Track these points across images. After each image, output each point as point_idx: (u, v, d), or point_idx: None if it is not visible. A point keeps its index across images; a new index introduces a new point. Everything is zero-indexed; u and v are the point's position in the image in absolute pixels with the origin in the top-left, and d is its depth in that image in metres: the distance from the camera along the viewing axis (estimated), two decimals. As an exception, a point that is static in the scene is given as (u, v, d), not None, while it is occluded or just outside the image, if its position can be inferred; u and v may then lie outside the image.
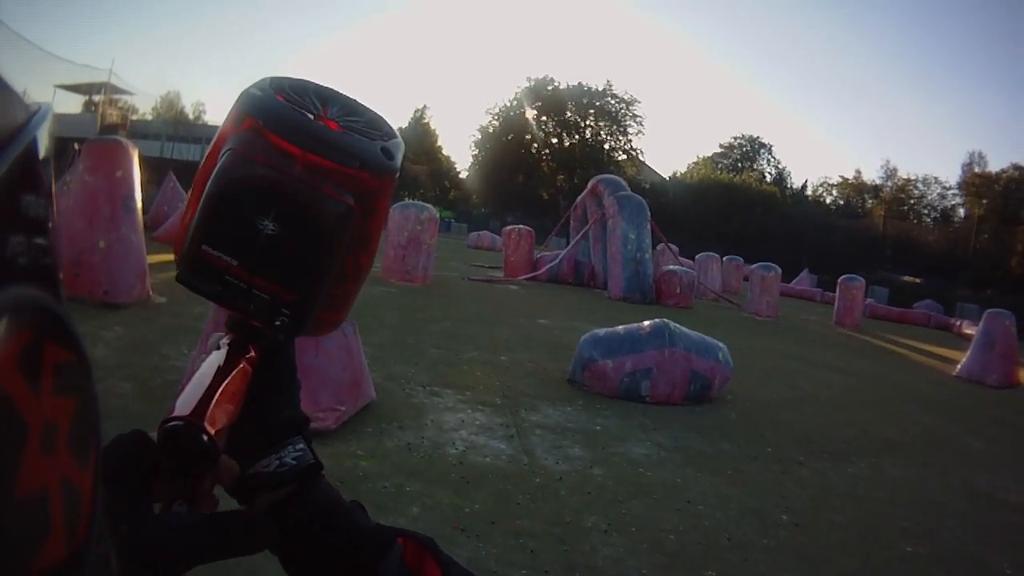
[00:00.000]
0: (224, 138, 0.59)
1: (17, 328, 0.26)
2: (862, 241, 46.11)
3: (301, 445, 0.63)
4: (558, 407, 5.93)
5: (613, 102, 56.30)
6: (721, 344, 7.16)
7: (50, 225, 0.30)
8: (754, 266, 17.54)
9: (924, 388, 10.41)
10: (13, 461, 0.25)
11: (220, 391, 0.55)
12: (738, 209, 47.78)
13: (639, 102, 57.22)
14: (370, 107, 0.68)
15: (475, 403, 5.63)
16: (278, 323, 0.58)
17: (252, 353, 0.61)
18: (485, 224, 43.26)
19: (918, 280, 40.41)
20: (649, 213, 16.73)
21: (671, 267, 17.23)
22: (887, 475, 5.63)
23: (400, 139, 0.67)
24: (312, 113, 0.60)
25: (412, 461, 4.24)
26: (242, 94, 0.61)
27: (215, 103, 59.80)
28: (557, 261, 17.53)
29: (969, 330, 22.23)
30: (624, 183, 18.07)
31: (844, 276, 19.21)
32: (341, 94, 0.66)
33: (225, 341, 0.62)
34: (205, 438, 0.51)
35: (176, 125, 46.68)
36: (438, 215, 13.96)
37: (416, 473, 4.06)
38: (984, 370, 11.52)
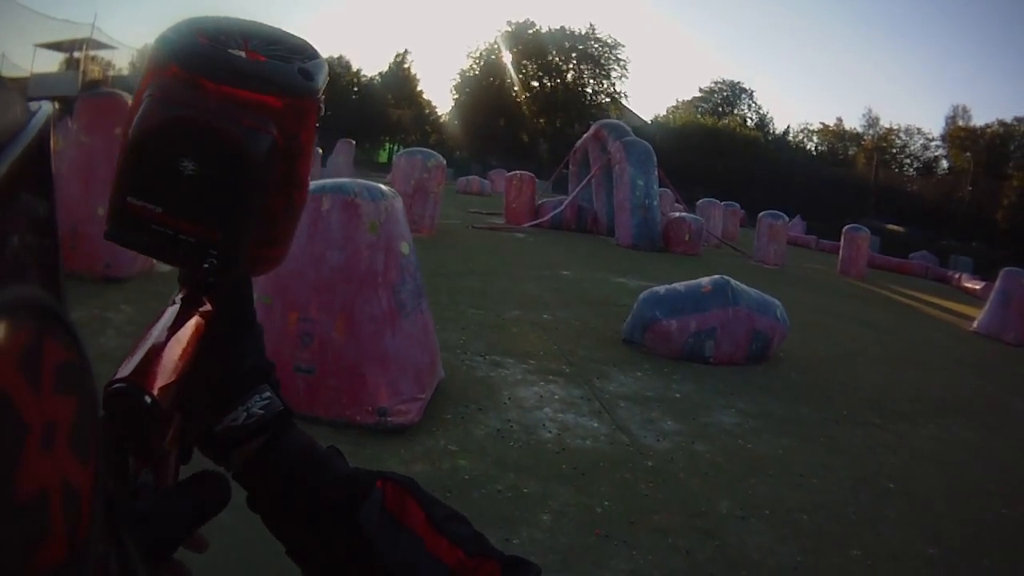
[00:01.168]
0: (144, 87, 0.56)
1: (17, 328, 0.26)
2: (848, 188, 46.02)
3: (268, 393, 0.61)
4: (627, 373, 5.46)
5: (596, 46, 55.47)
6: (776, 301, 6.73)
7: (52, 225, 0.30)
8: (762, 214, 17.10)
9: (951, 344, 10.10)
10: (13, 461, 0.25)
11: (166, 347, 0.52)
12: (722, 153, 47.41)
13: (623, 46, 56.56)
14: (297, 35, 0.64)
15: (544, 373, 5.12)
16: (206, 265, 0.55)
17: (207, 306, 0.59)
18: (468, 168, 42.57)
19: (901, 229, 40.43)
20: (656, 159, 16.16)
21: (680, 214, 16.72)
22: (957, 437, 5.42)
23: (322, 60, 0.63)
24: (233, 49, 0.58)
25: (512, 453, 3.74)
26: (159, 38, 0.58)
27: None
28: (560, 208, 16.94)
29: (969, 284, 22.25)
30: (628, 128, 17.43)
31: (848, 226, 18.89)
32: (265, 26, 0.63)
33: (179, 296, 0.59)
34: (148, 398, 0.48)
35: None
36: (445, 163, 13.30)
37: (524, 468, 3.56)
38: (1002, 327, 11.31)
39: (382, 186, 4.05)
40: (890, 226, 40.48)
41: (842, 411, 5.43)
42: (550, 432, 4.07)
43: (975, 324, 11.91)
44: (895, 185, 48.76)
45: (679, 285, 6.39)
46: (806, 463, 4.26)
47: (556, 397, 4.66)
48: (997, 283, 11.71)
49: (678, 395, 5.16)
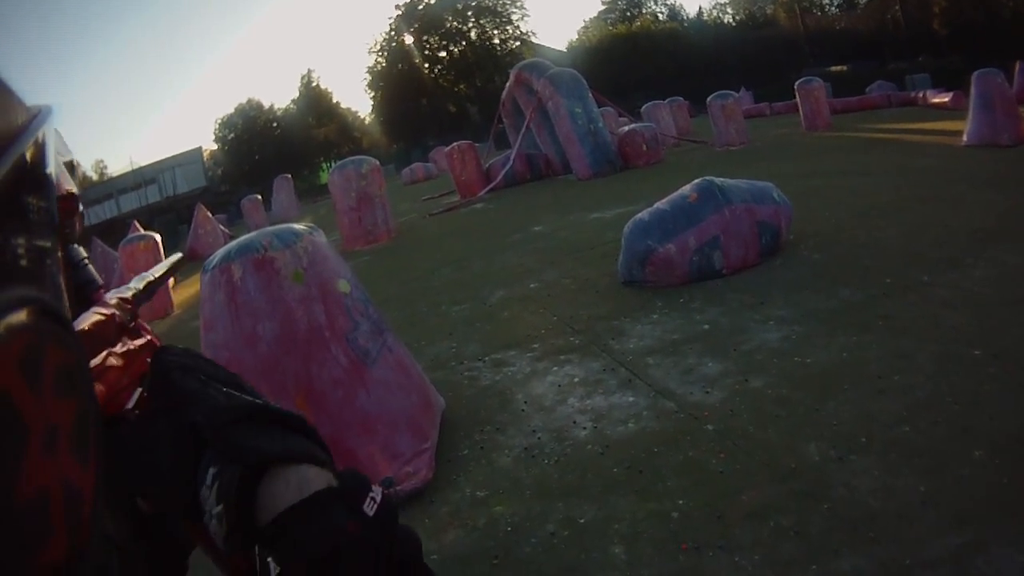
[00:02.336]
0: None
1: (19, 330, 0.26)
2: (780, 47, 45.35)
3: (212, 469, 0.56)
4: (642, 321, 4.82)
5: (487, -4, 54.45)
6: (769, 183, 6.08)
7: (51, 226, 0.30)
8: (710, 97, 16.38)
9: (953, 165, 9.47)
10: (15, 462, 0.25)
11: None
12: (647, 55, 46.76)
13: (514, -14, 55.58)
14: None
15: (554, 355, 4.47)
16: None
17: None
18: (408, 158, 41.73)
19: (845, 68, 39.82)
20: (586, 82, 15.39)
21: (629, 126, 15.95)
22: (1011, 267, 4.74)
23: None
24: None
25: (551, 474, 3.09)
26: None
27: (112, 155, 56.77)
28: (509, 163, 16.17)
29: (937, 99, 21.83)
30: (548, 62, 16.64)
31: (800, 80, 18.25)
32: None
33: None
34: None
35: (84, 191, 44.04)
36: (378, 163, 12.52)
37: (570, 491, 2.92)
38: (994, 131, 10.79)
39: (294, 226, 3.34)
40: (833, 69, 39.87)
41: (884, 279, 4.80)
42: (584, 429, 3.42)
43: (964, 137, 11.34)
44: (824, 28, 48.07)
45: (662, 204, 5.72)
46: (877, 359, 3.63)
47: (576, 380, 4.01)
48: (973, 89, 11.15)
49: (706, 326, 4.53)
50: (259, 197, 25.00)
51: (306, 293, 3.08)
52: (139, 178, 43.70)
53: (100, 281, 0.66)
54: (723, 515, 2.55)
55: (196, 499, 0.55)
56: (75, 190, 0.58)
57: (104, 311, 0.61)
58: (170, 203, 42.94)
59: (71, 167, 0.64)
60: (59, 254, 0.30)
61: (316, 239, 3.28)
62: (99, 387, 0.54)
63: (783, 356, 3.86)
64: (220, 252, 3.26)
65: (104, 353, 0.58)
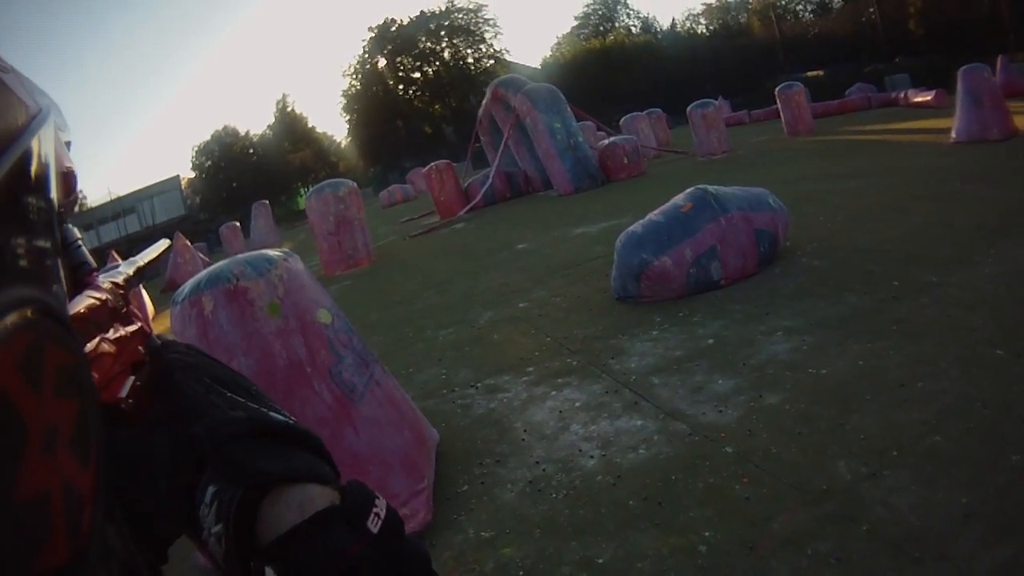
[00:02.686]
0: None
1: (19, 330, 0.26)
2: (754, 54, 45.67)
3: (211, 488, 0.53)
4: (642, 338, 4.59)
5: (460, 16, 55.09)
6: (763, 189, 5.89)
7: (51, 227, 0.30)
8: (690, 107, 16.25)
9: (945, 163, 9.32)
10: (14, 463, 0.25)
11: None
12: (621, 68, 46.95)
13: (485, 6, 56.49)
14: None
15: (551, 378, 4.23)
16: None
17: None
18: (386, 180, 41.57)
19: (821, 73, 40.04)
20: (563, 96, 15.24)
21: (610, 139, 15.78)
22: (1023, 263, 4.56)
23: None
24: None
25: (560, 509, 2.83)
26: None
27: (89, 185, 56.01)
28: (489, 181, 15.97)
29: (919, 98, 21.88)
30: (524, 78, 16.51)
31: (780, 86, 18.13)
32: None
33: None
34: None
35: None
36: (356, 186, 12.28)
37: (584, 527, 2.66)
38: (983, 127, 10.66)
39: (269, 252, 3.08)
40: (809, 74, 40.10)
41: (891, 283, 4.61)
42: (592, 458, 3.18)
43: (953, 134, 11.21)
44: (799, 34, 48.41)
45: (655, 215, 5.51)
46: (897, 366, 3.43)
47: (578, 405, 3.77)
48: (959, 85, 10.97)
49: (710, 341, 4.31)
50: (238, 224, 24.71)
51: (283, 326, 2.81)
52: (118, 208, 43.21)
53: (93, 264, 0.63)
54: (755, 545, 2.31)
55: (194, 515, 0.53)
56: (74, 168, 0.56)
57: (98, 295, 0.58)
58: (150, 232, 42.46)
59: (68, 147, 0.61)
60: (59, 258, 0.29)
61: (292, 266, 3.01)
62: (92, 374, 0.48)
63: (796, 369, 3.64)
64: (189, 283, 2.99)
65: (97, 339, 0.55)
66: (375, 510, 0.53)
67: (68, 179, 0.56)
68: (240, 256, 3.00)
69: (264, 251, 3.08)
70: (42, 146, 0.29)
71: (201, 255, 20.88)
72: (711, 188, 5.52)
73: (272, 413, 0.61)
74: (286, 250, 3.19)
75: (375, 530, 0.52)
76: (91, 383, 0.31)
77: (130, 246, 37.25)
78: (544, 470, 3.15)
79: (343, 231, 11.42)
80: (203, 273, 2.95)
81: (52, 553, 0.26)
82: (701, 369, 3.92)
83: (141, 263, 0.76)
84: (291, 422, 0.59)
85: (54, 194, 0.31)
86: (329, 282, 10.48)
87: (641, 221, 5.51)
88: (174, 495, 0.55)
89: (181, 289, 3.01)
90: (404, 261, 11.08)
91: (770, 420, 3.16)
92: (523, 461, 3.28)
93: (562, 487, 2.98)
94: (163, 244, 0.92)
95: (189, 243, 19.76)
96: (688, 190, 5.58)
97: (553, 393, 3.99)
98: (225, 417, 0.57)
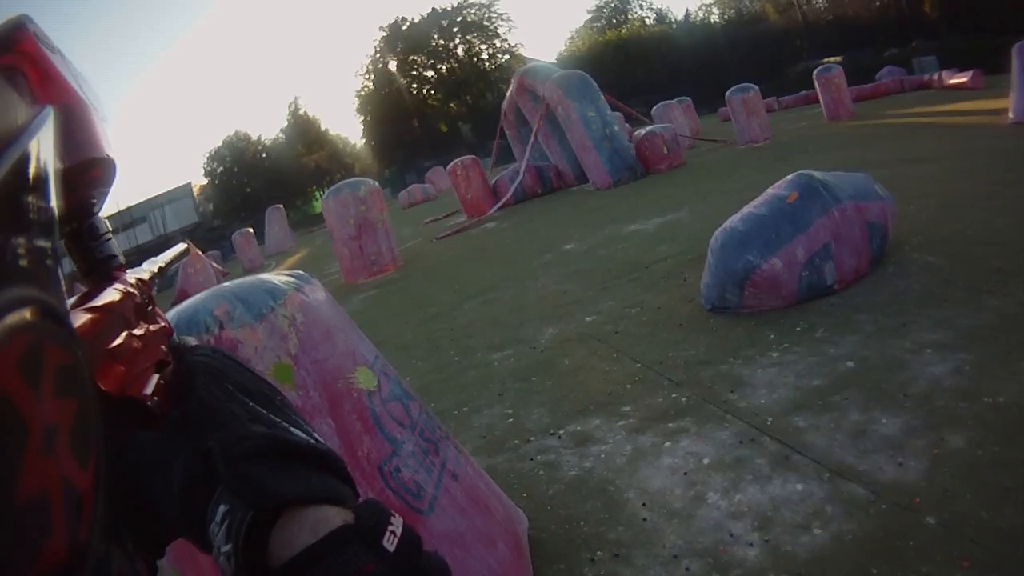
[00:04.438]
0: None
1: (19, 330, 0.26)
2: (770, 41, 44.69)
3: (223, 507, 0.47)
4: (760, 362, 3.63)
5: (473, 11, 54.34)
6: (861, 173, 4.94)
7: (52, 227, 0.30)
8: (729, 92, 15.24)
9: (1010, 144, 8.34)
10: (14, 463, 0.25)
11: None
12: (639, 59, 46.07)
13: (498, 0, 55.49)
14: None
15: (656, 422, 3.26)
16: None
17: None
18: (403, 180, 40.80)
19: (839, 58, 39.03)
20: (595, 84, 14.27)
21: (647, 128, 14.76)
22: None
23: None
24: None
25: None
26: None
27: None
28: (520, 177, 15.02)
29: (954, 80, 20.94)
30: (552, 65, 15.56)
31: (819, 69, 17.10)
32: None
33: None
34: None
35: None
36: (378, 185, 11.36)
37: None
38: (1042, 105, 9.75)
39: (271, 277, 1.99)
40: (827, 60, 39.07)
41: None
42: (751, 545, 2.21)
43: (1011, 114, 10.29)
44: (814, 19, 47.39)
45: (752, 208, 4.54)
46: None
47: (707, 462, 2.81)
48: (1015, 63, 10.07)
49: (850, 363, 3.35)
50: (251, 230, 23.91)
51: (300, 402, 1.80)
52: (127, 218, 42.57)
53: (122, 258, 0.58)
54: None
55: (205, 532, 0.47)
56: (112, 155, 0.50)
57: (126, 289, 0.54)
58: (162, 242, 41.81)
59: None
60: (60, 261, 0.29)
61: (308, 298, 1.97)
62: (120, 368, 0.47)
63: (969, 397, 2.72)
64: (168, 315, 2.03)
65: (125, 333, 0.50)
66: (391, 528, 0.46)
67: (108, 168, 0.52)
68: (229, 285, 1.95)
69: (265, 276, 2.01)
70: (42, 146, 0.28)
71: (215, 264, 20.05)
72: (816, 173, 4.55)
73: (294, 429, 0.52)
74: (299, 272, 2.18)
75: (391, 548, 0.45)
76: (91, 383, 0.30)
77: (142, 257, 36.63)
78: (688, 569, 2.20)
79: (365, 235, 10.52)
80: (171, 313, 1.95)
81: (53, 552, 0.26)
82: (853, 404, 2.96)
83: (162, 263, 0.73)
84: (312, 441, 0.51)
85: (54, 195, 0.29)
86: (351, 292, 9.58)
87: (739, 215, 4.54)
88: (186, 509, 0.47)
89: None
90: (435, 266, 10.12)
91: (966, 472, 2.25)
92: (654, 554, 2.32)
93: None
94: (181, 246, 0.86)
95: (200, 252, 18.84)
96: (788, 177, 4.61)
97: (667, 445, 3.02)
98: (242, 432, 0.49)
